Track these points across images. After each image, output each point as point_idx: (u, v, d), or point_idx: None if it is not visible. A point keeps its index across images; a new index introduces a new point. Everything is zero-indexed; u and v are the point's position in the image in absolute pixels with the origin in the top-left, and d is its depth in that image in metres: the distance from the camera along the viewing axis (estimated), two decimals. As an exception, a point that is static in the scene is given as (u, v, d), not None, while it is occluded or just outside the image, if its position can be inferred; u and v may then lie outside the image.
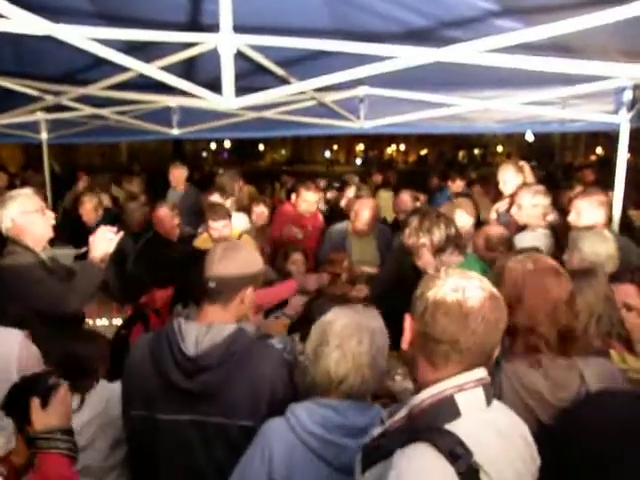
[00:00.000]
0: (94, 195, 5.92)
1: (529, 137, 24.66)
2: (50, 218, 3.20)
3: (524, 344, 2.02)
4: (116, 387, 2.35)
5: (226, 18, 2.46)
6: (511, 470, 1.37)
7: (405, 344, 1.49)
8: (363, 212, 4.68)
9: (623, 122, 4.23)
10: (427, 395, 1.38)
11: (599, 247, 3.30)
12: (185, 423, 2.03)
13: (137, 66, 2.37)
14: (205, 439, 2.03)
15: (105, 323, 4.12)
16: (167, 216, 4.96)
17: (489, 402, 1.41)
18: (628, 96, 4.13)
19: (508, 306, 1.50)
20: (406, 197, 5.56)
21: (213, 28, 2.59)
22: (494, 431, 1.38)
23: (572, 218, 3.83)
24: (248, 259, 2.16)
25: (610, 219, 3.97)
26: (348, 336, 1.79)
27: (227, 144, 34.71)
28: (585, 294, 2.34)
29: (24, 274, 2.96)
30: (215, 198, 5.00)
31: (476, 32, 2.87)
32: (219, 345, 1.98)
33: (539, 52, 2.64)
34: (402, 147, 45.29)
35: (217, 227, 4.26)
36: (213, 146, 36.07)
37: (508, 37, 2.28)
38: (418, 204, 5.17)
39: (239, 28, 2.53)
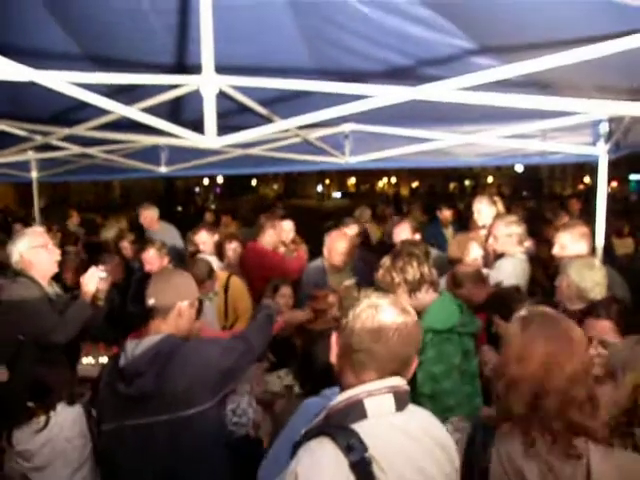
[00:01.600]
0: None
1: (518, 168, 25.03)
2: (55, 254, 3.44)
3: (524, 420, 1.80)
4: (72, 410, 2.73)
5: (208, 59, 2.51)
6: (412, 467, 1.54)
7: (333, 357, 1.68)
8: (336, 246, 4.69)
9: (601, 154, 4.31)
10: (342, 398, 1.59)
11: (586, 274, 3.37)
12: (136, 426, 2.28)
13: (119, 109, 2.41)
14: (153, 437, 2.28)
15: (91, 361, 4.13)
16: (155, 257, 4.97)
17: (400, 407, 1.58)
18: (604, 128, 4.22)
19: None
20: (407, 227, 5.20)
21: (196, 69, 2.65)
22: (398, 432, 1.56)
23: (556, 251, 3.92)
24: (180, 280, 2.56)
25: (593, 249, 4.03)
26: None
27: (220, 179, 34.91)
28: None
29: (26, 304, 3.18)
30: (202, 235, 5.03)
31: (454, 70, 2.94)
32: (147, 351, 2.29)
33: (516, 88, 2.70)
34: (393, 180, 45.68)
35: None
36: (206, 181, 36.27)
37: (484, 74, 2.33)
38: (417, 236, 5.07)
39: (221, 69, 2.58)
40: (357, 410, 1.54)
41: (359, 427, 1.50)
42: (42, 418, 2.67)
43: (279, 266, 5.33)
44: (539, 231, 6.33)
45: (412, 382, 2.50)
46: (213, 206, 23.40)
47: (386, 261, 2.93)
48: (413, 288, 2.83)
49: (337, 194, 44.52)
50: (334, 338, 1.68)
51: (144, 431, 2.28)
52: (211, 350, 2.42)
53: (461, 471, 1.74)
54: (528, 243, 4.50)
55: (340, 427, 1.50)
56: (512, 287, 3.69)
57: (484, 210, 4.98)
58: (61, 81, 2.06)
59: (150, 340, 2.33)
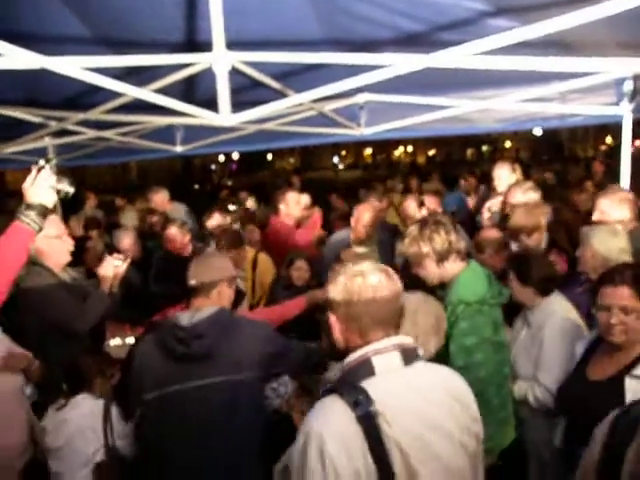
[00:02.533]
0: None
1: (537, 132, 24.55)
2: (69, 244, 3.48)
3: None
4: (94, 402, 2.81)
5: (219, 36, 2.48)
6: (420, 419, 1.62)
7: (336, 333, 1.77)
8: (362, 217, 4.67)
9: (625, 113, 4.19)
10: (352, 358, 1.69)
11: (610, 242, 3.30)
12: (192, 389, 2.40)
13: (131, 91, 2.40)
14: (211, 399, 2.41)
15: (118, 343, 4.19)
16: (177, 235, 4.98)
17: (407, 363, 1.68)
18: (629, 87, 4.07)
19: None
20: (411, 203, 5.40)
21: (207, 46, 2.61)
22: (406, 387, 1.65)
23: (596, 217, 3.78)
24: (219, 263, 2.78)
25: (637, 215, 3.80)
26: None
27: (235, 156, 34.86)
28: None
29: (44, 293, 3.23)
30: (216, 218, 5.01)
31: (469, 33, 2.86)
32: (208, 318, 2.47)
33: (535, 50, 2.63)
34: (410, 149, 45.21)
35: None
36: (222, 158, 36.25)
37: (502, 37, 2.26)
38: (424, 210, 5.07)
39: (233, 44, 2.55)
40: (366, 368, 1.65)
41: (367, 384, 1.60)
42: (63, 399, 2.75)
43: (290, 240, 5.29)
44: (562, 195, 6.23)
45: (445, 354, 2.52)
46: (229, 183, 23.41)
47: (413, 230, 2.88)
48: (441, 257, 2.78)
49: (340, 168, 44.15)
50: (332, 317, 1.77)
51: (198, 393, 2.42)
52: (260, 329, 2.64)
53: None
54: (547, 209, 4.35)
55: (349, 385, 1.62)
56: (536, 251, 3.62)
57: (504, 176, 4.92)
58: (73, 67, 2.04)
59: (208, 310, 2.51)
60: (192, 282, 2.63)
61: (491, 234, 3.96)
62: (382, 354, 1.67)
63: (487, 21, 3.04)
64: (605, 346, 2.52)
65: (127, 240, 5.20)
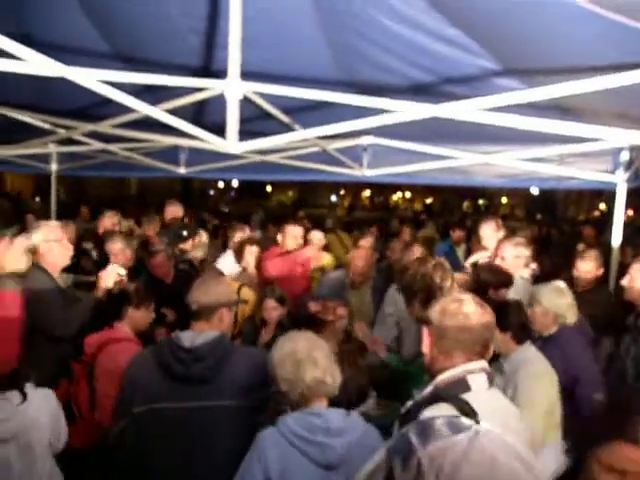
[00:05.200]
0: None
1: (534, 191, 24.87)
2: (69, 249, 3.55)
3: None
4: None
5: (234, 65, 2.54)
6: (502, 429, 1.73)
7: (425, 347, 2.01)
8: (355, 262, 4.65)
9: (620, 182, 4.28)
10: (447, 375, 1.91)
11: (558, 299, 3.53)
12: (185, 409, 2.43)
13: (144, 108, 2.45)
14: (203, 422, 2.44)
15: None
16: (164, 263, 4.83)
17: (491, 385, 1.94)
18: (625, 157, 4.19)
19: None
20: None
21: (220, 73, 2.68)
22: (495, 402, 1.93)
23: (626, 282, 3.77)
24: (221, 286, 2.77)
25: None
26: (313, 348, 2.18)
27: (235, 183, 35.00)
28: None
29: (39, 296, 3.26)
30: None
31: (476, 89, 2.96)
32: (209, 342, 2.48)
33: (537, 111, 2.71)
34: (407, 195, 45.58)
35: None
36: (221, 185, 36.37)
37: (508, 96, 2.34)
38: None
39: (246, 75, 2.62)
40: (462, 385, 1.88)
41: (465, 397, 1.78)
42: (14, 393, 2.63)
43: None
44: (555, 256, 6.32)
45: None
46: (226, 210, 23.46)
47: (411, 266, 2.94)
48: (429, 297, 2.80)
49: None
50: (425, 331, 2.01)
51: (189, 414, 2.44)
52: (256, 357, 2.60)
53: None
54: (534, 265, 4.55)
55: (453, 396, 1.78)
56: (514, 301, 3.66)
57: (490, 234, 4.93)
58: (91, 78, 2.10)
59: (209, 334, 2.53)
60: (193, 306, 2.63)
61: (461, 277, 4.01)
62: (474, 374, 1.91)
63: (494, 79, 3.14)
64: None
65: (117, 245, 5.02)
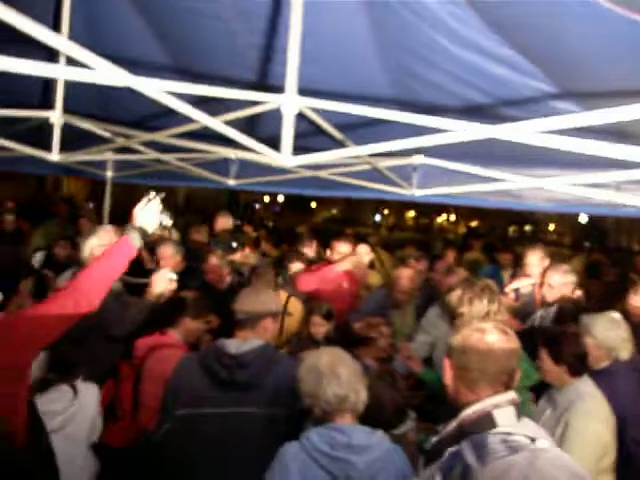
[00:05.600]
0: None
1: (582, 219, 24.20)
2: None
3: None
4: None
5: (292, 81, 2.59)
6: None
7: (447, 379, 1.95)
8: (401, 281, 4.64)
9: (678, 211, 4.15)
10: (472, 410, 1.83)
11: (612, 331, 3.30)
12: (227, 414, 2.48)
13: (204, 119, 2.52)
14: (244, 427, 2.48)
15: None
16: (218, 268, 5.00)
17: (519, 417, 1.81)
18: (685, 185, 4.06)
19: None
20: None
21: (276, 89, 2.74)
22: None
23: None
24: (266, 298, 2.81)
25: None
26: (336, 364, 2.19)
27: (280, 198, 35.35)
28: None
29: None
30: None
31: (532, 112, 2.93)
32: (254, 350, 2.54)
33: (594, 135, 2.66)
34: (452, 217, 45.12)
35: None
36: (267, 199, 36.79)
37: (566, 119, 2.30)
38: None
39: (302, 90, 2.66)
40: (487, 420, 1.79)
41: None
42: (67, 387, 2.75)
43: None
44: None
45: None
46: (271, 224, 23.70)
47: (458, 288, 2.91)
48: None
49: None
50: (447, 363, 1.96)
51: (234, 419, 2.49)
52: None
53: None
54: (579, 292, 4.52)
55: (477, 434, 1.73)
56: (571, 330, 3.53)
57: (535, 262, 4.94)
58: (157, 89, 2.17)
59: (254, 342, 2.59)
60: (239, 314, 2.70)
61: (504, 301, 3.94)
62: (501, 408, 1.81)
63: (550, 102, 3.10)
64: None
65: (168, 250, 5.13)
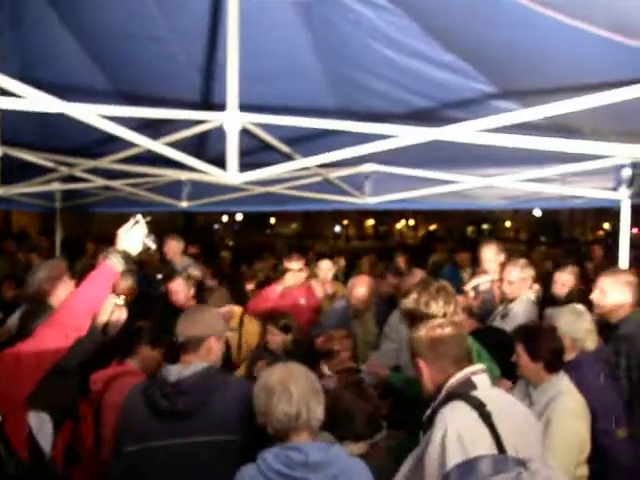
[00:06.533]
0: None
1: (537, 213, 24.87)
2: (70, 285, 3.46)
3: None
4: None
5: (233, 97, 2.56)
6: (513, 422, 2.10)
7: (425, 378, 2.28)
8: (357, 289, 4.59)
9: (624, 199, 4.27)
10: (455, 379, 2.18)
11: (577, 323, 3.30)
12: (174, 446, 2.36)
13: (145, 142, 2.46)
14: (193, 458, 2.35)
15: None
16: (181, 287, 4.82)
17: (493, 383, 2.28)
18: (627, 173, 4.17)
19: None
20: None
21: (220, 107, 2.70)
22: (500, 396, 2.23)
23: (596, 296, 3.68)
24: (209, 315, 2.73)
25: (637, 300, 3.68)
26: (287, 380, 2.14)
27: (239, 217, 35.19)
28: None
29: None
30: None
31: (475, 113, 2.97)
32: (195, 374, 2.42)
33: (537, 131, 2.72)
34: (411, 222, 45.68)
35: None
36: (225, 218, 36.58)
37: (506, 117, 2.34)
38: None
39: (246, 107, 2.64)
40: (469, 384, 2.16)
41: (474, 394, 2.10)
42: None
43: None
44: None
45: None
46: (231, 243, 23.51)
47: (414, 290, 2.89)
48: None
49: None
50: (419, 362, 2.28)
51: (182, 450, 2.36)
52: (248, 388, 2.40)
53: None
54: (537, 286, 4.61)
55: (463, 394, 2.10)
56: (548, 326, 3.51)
57: (490, 257, 4.94)
58: (91, 114, 2.11)
59: (195, 366, 2.47)
60: (180, 337, 2.58)
61: (462, 301, 3.96)
62: (477, 374, 2.20)
63: (492, 102, 3.16)
64: None
65: (127, 282, 5.07)
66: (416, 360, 2.30)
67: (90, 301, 2.48)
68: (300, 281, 5.15)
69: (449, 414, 2.06)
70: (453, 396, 2.12)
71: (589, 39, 2.16)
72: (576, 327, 3.28)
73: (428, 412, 2.21)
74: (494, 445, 1.96)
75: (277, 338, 3.93)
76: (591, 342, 3.29)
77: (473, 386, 2.15)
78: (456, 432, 1.96)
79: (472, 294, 4.74)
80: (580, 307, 3.49)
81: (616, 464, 3.07)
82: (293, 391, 2.10)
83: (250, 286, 5.73)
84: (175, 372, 2.44)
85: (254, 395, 2.19)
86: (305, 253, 8.01)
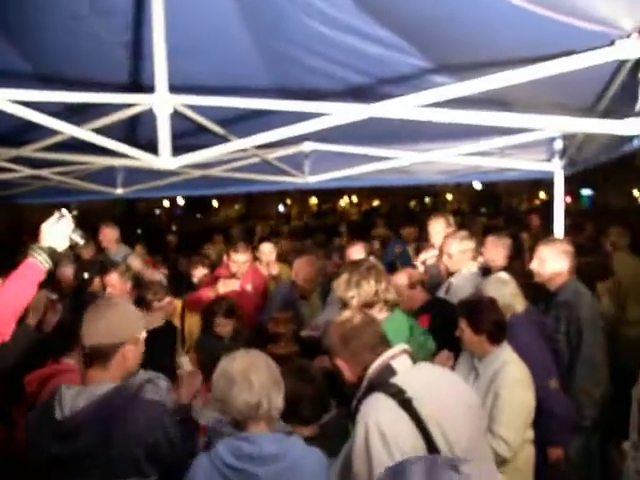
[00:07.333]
0: None
1: (477, 186, 25.52)
2: None
3: None
4: None
5: (161, 78, 2.45)
6: (440, 401, 2.03)
7: (348, 376, 2.20)
8: (300, 271, 4.58)
9: (556, 170, 4.39)
10: (374, 367, 2.12)
11: (502, 289, 3.50)
12: None
13: (67, 129, 2.33)
14: None
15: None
16: (117, 281, 4.64)
17: (414, 362, 2.17)
18: (559, 145, 4.30)
19: None
20: (360, 248, 5.22)
21: (151, 88, 2.58)
22: (424, 377, 2.14)
23: (534, 265, 3.86)
24: (119, 318, 2.15)
25: (574, 268, 3.88)
26: (249, 370, 2.07)
27: (180, 201, 34.49)
28: None
29: None
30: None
31: (412, 88, 2.95)
32: (89, 406, 1.96)
33: (473, 106, 2.72)
34: (355, 199, 45.96)
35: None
36: (166, 204, 35.77)
37: (441, 91, 2.34)
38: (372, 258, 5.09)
39: (176, 88, 2.53)
40: (388, 370, 2.09)
41: (394, 380, 2.04)
42: None
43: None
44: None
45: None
46: (174, 228, 23.06)
47: (344, 274, 2.88)
48: (366, 304, 2.79)
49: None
50: (340, 363, 2.20)
51: None
52: (161, 411, 2.14)
53: None
54: (481, 258, 4.59)
55: (382, 383, 2.04)
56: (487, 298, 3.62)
57: (440, 230, 4.90)
58: (2, 99, 1.96)
59: (93, 392, 2.00)
60: (85, 346, 2.08)
61: (416, 274, 4.14)
62: (396, 358, 2.12)
63: (428, 77, 3.15)
64: None
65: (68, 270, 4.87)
66: (334, 362, 2.24)
67: (12, 302, 2.27)
68: (244, 270, 5.07)
69: (368, 409, 2.00)
70: (373, 387, 2.06)
71: (526, 16, 2.16)
72: (503, 293, 3.46)
73: (354, 403, 2.14)
74: (418, 434, 1.90)
75: (227, 328, 3.92)
76: (519, 305, 3.53)
77: (392, 372, 2.08)
78: (377, 428, 1.90)
79: (422, 268, 4.78)
80: (503, 274, 3.72)
81: (550, 414, 3.24)
82: (254, 381, 2.04)
83: (203, 270, 5.57)
84: (68, 402, 1.97)
85: (213, 380, 2.09)
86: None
